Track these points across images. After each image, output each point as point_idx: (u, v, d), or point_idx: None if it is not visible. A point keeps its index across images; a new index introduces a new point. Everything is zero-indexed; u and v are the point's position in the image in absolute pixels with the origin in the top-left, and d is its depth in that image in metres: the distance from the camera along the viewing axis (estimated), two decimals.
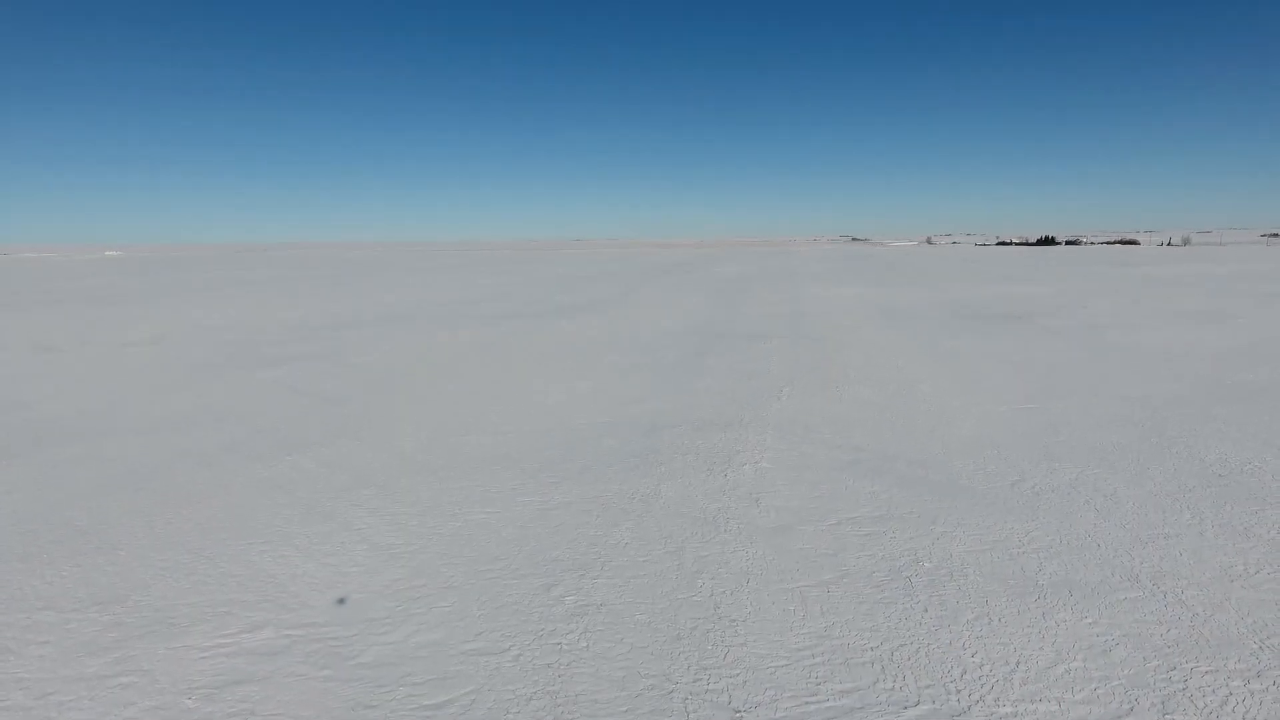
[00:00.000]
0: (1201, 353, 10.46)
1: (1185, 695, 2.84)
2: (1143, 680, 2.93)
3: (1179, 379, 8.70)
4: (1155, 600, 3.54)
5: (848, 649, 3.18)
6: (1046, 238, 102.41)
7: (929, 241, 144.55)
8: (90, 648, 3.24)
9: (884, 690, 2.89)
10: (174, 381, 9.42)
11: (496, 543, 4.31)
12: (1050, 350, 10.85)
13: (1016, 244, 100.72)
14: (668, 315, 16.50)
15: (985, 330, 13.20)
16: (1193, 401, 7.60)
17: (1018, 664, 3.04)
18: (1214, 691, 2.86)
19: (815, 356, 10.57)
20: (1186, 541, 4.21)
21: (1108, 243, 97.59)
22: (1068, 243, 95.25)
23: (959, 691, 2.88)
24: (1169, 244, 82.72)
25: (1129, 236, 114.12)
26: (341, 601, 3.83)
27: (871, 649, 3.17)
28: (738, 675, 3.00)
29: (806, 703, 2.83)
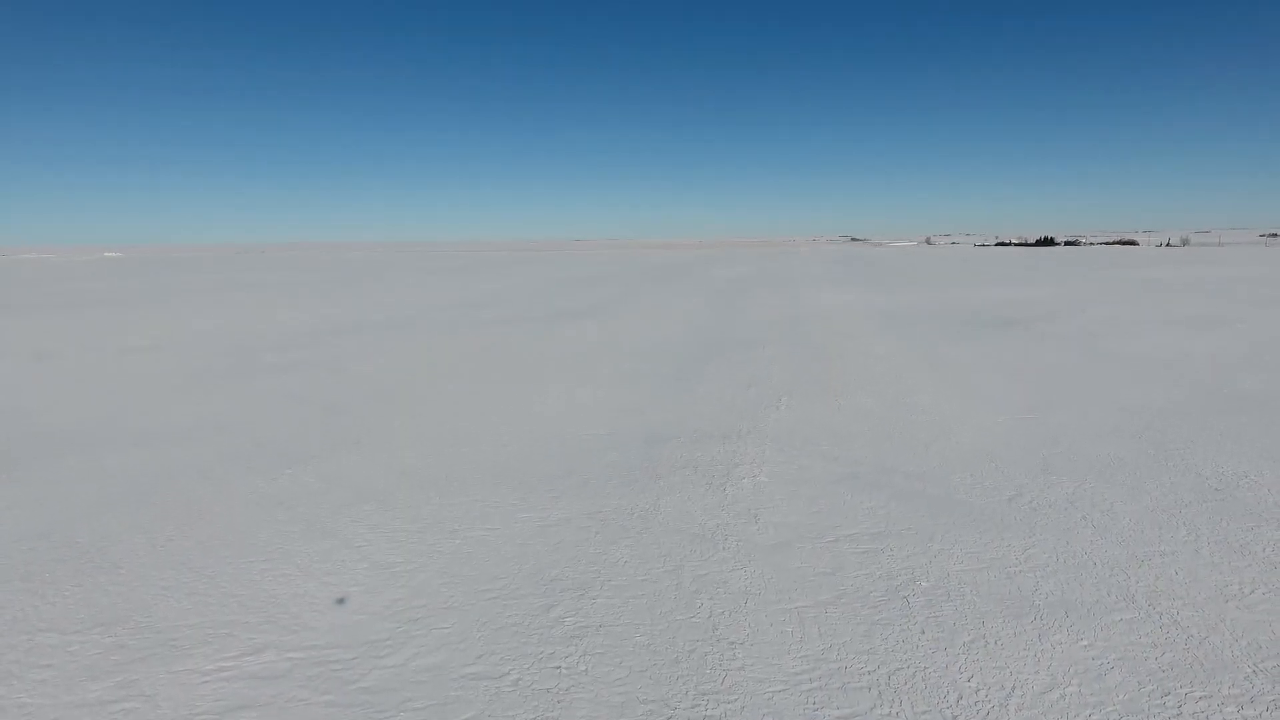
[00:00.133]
0: (1200, 360, 10.49)
1: None
2: (1137, 706, 2.96)
3: (1177, 387, 8.73)
4: (1150, 622, 3.57)
5: (845, 673, 3.20)
6: (1045, 238, 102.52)
7: (928, 242, 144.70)
8: (92, 672, 3.26)
9: (880, 717, 2.92)
10: (174, 389, 9.43)
11: (496, 561, 4.33)
12: (1048, 357, 10.88)
13: (1015, 244, 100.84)
14: (667, 320, 16.53)
15: (984, 336, 13.23)
16: (1190, 411, 7.63)
17: (1013, 689, 3.06)
18: (1207, 718, 2.88)
19: (814, 364, 10.60)
20: (1182, 559, 4.23)
21: (1107, 243, 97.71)
22: (1067, 243, 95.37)
23: (955, 718, 2.90)
24: (1168, 245, 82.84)
25: (1128, 237, 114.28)
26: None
27: (869, 672, 3.20)
28: (735, 701, 3.02)
29: None
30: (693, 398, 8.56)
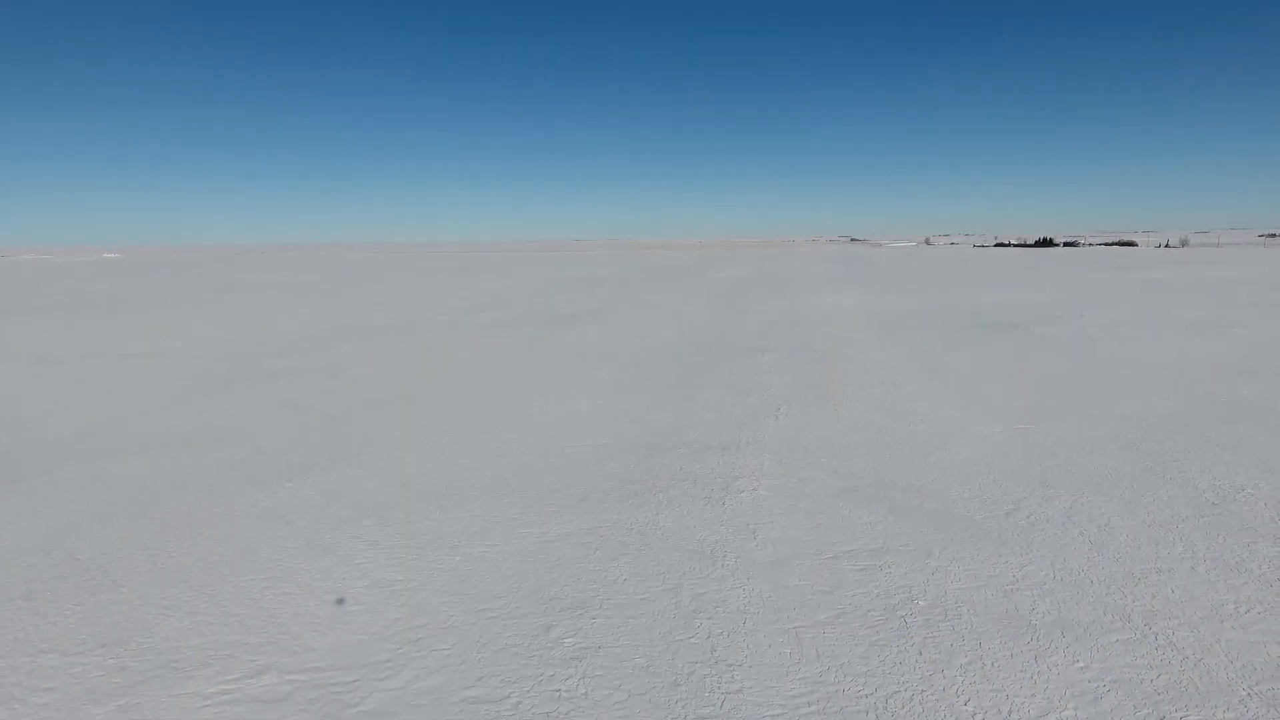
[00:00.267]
0: (1199, 366, 10.52)
1: None
2: None
3: (1176, 394, 8.75)
4: (1146, 643, 3.59)
5: (843, 696, 3.22)
6: (1045, 239, 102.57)
7: (927, 242, 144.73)
8: (94, 695, 3.28)
9: None
10: (174, 397, 9.45)
11: (496, 579, 4.35)
12: (1047, 363, 10.90)
13: (1015, 245, 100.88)
14: (666, 324, 16.55)
15: (983, 341, 13.25)
16: (1188, 420, 7.65)
17: (1010, 713, 3.08)
18: None
19: (812, 371, 10.62)
20: (1178, 577, 4.25)
21: (1106, 244, 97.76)
22: (1066, 244, 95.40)
23: None
24: (1166, 245, 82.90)
25: (1127, 238, 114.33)
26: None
27: (866, 696, 3.22)
28: None
29: None
30: (692, 406, 8.58)
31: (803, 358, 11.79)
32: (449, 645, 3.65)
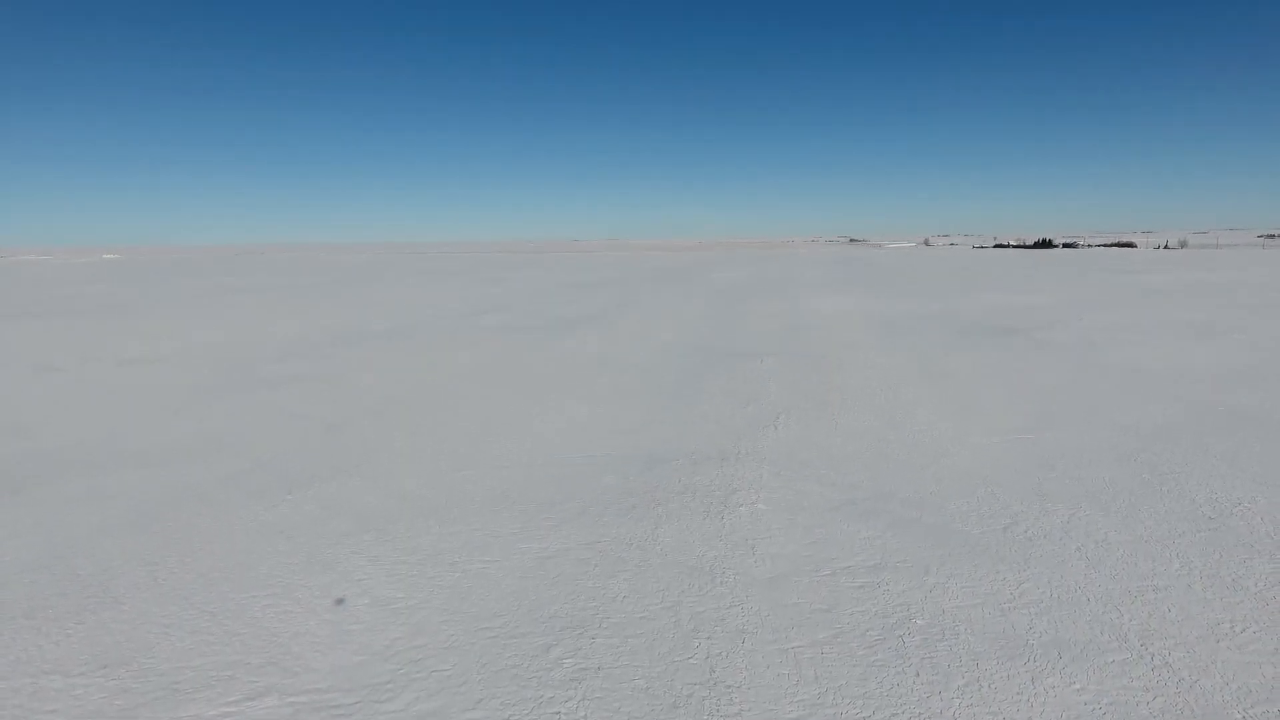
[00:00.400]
0: (1198, 373, 10.54)
1: None
2: None
3: (1175, 403, 8.77)
4: (1143, 663, 3.61)
5: (840, 719, 3.24)
6: (1044, 240, 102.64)
7: (926, 243, 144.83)
8: (97, 718, 3.30)
9: None
10: (174, 405, 9.46)
11: (496, 596, 4.37)
12: (1046, 369, 10.92)
13: (1014, 246, 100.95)
14: (665, 329, 16.57)
15: (982, 347, 13.27)
16: (1186, 430, 7.68)
17: None
18: None
19: (811, 379, 10.64)
20: (1175, 595, 4.28)
21: (1105, 245, 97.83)
22: (1065, 245, 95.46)
23: None
24: (1165, 247, 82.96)
25: (1126, 239, 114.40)
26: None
27: (864, 719, 3.24)
28: None
29: None
30: (691, 415, 8.60)
31: (802, 364, 11.81)
32: (449, 666, 3.67)
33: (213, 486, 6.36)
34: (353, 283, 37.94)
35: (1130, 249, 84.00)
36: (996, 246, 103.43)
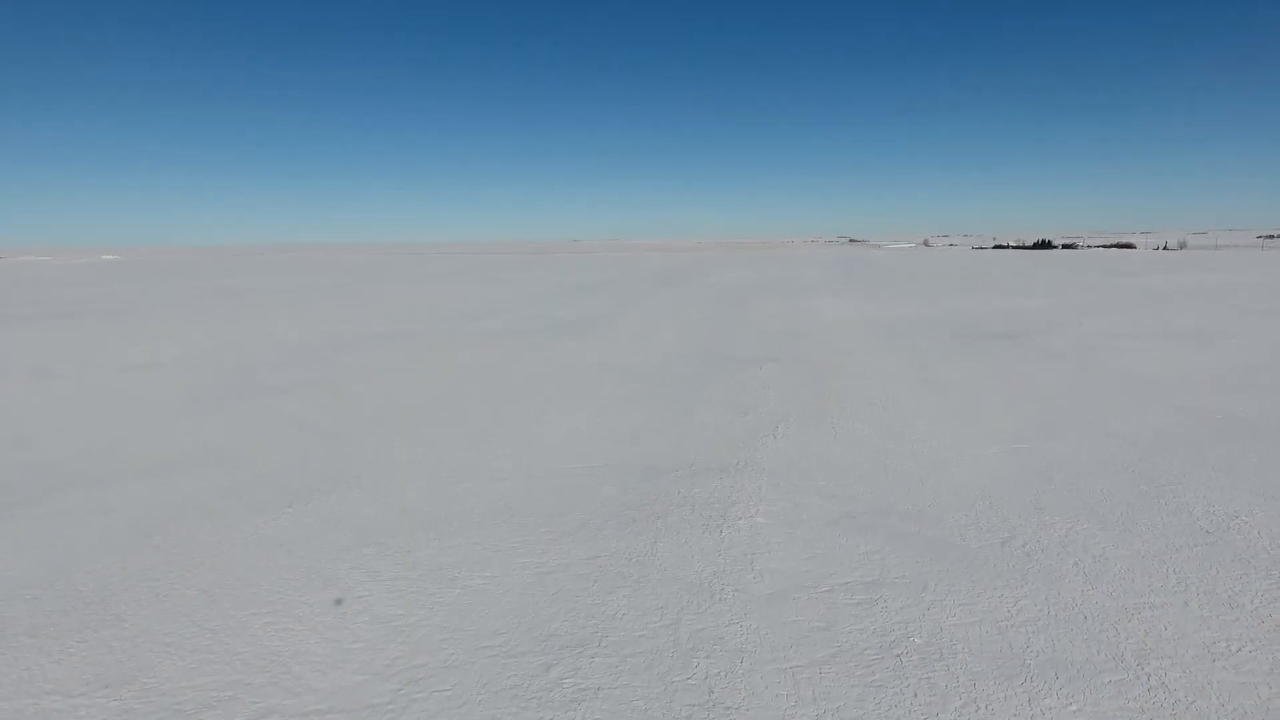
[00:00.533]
0: (1197, 379, 10.56)
1: None
2: None
3: (1174, 411, 8.80)
4: (1139, 684, 3.63)
5: None
6: (1043, 241, 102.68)
7: (926, 244, 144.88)
8: None
9: None
10: (174, 413, 9.48)
11: (496, 614, 4.39)
12: (1045, 376, 10.94)
13: (1014, 247, 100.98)
14: (665, 334, 16.58)
15: (981, 352, 13.29)
16: (1184, 439, 7.70)
17: None
18: None
19: (810, 386, 10.66)
20: (1171, 613, 4.30)
21: (1104, 246, 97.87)
22: (1064, 246, 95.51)
23: None
24: (1165, 248, 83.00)
25: (1125, 239, 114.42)
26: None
27: None
28: None
29: None
30: (689, 424, 8.62)
31: (802, 370, 11.83)
32: (449, 686, 3.69)
33: (214, 498, 6.37)
34: (352, 284, 37.95)
35: (1129, 250, 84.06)
36: (996, 247, 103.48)
